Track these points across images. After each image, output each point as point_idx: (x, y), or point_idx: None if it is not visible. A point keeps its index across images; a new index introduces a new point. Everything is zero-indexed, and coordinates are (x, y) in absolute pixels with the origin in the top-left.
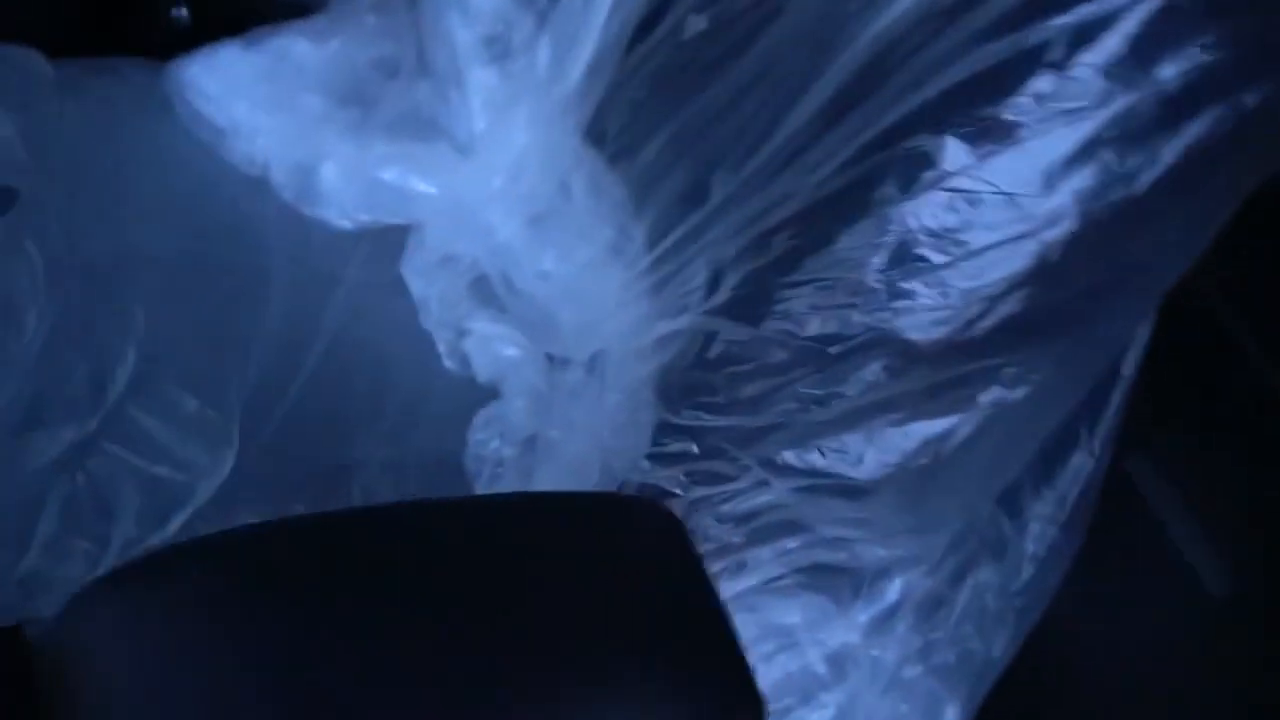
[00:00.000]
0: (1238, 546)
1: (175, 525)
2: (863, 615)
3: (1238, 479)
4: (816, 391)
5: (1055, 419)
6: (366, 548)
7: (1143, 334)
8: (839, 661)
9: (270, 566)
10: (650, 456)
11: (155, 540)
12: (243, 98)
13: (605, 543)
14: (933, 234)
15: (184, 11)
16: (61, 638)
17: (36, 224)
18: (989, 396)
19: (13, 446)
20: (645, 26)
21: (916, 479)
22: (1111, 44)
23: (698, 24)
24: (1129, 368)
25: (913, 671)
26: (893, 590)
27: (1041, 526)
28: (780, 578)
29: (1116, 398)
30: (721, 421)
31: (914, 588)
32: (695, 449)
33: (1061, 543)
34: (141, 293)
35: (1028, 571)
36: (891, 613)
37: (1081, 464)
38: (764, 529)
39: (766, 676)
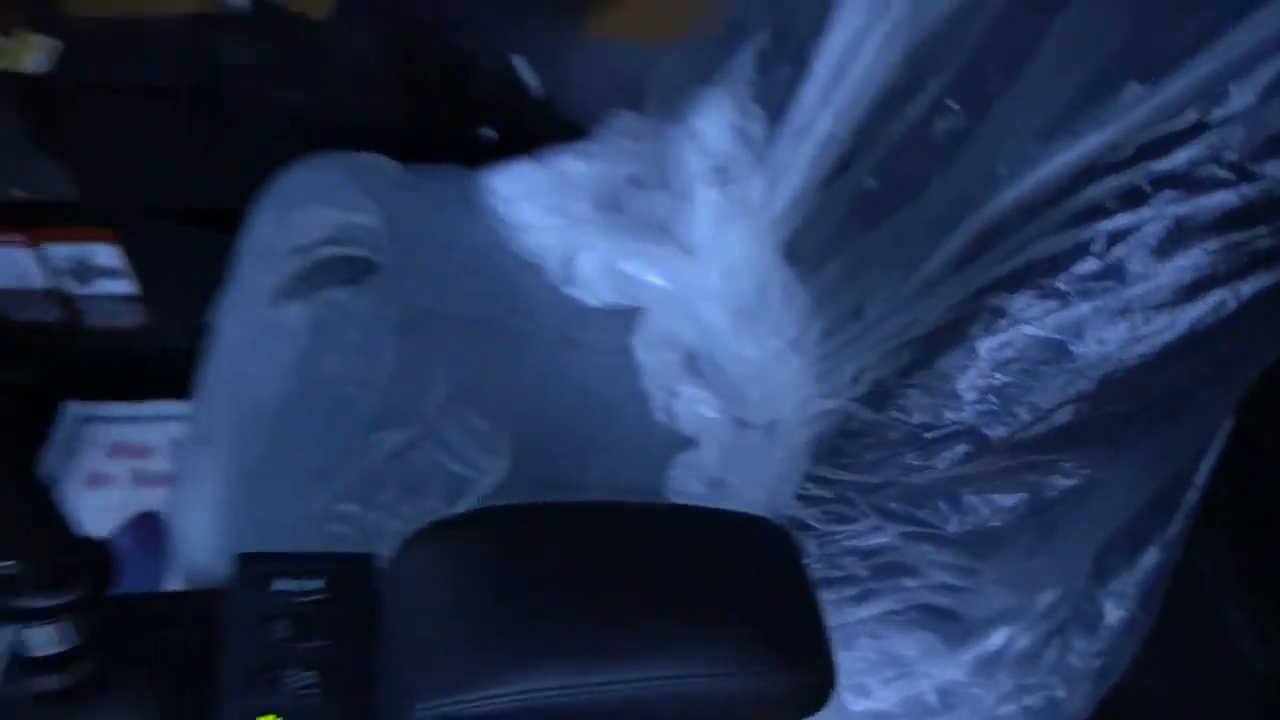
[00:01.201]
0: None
1: (464, 504)
2: (969, 656)
3: None
4: (916, 463)
5: (1128, 507)
6: (587, 525)
7: (1218, 442)
8: (947, 694)
9: (529, 530)
10: (798, 497)
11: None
12: (530, 202)
13: (735, 540)
14: (1001, 364)
15: (492, 132)
16: (398, 570)
17: (389, 287)
18: (1050, 482)
19: (367, 440)
20: (834, 176)
21: (1008, 544)
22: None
23: (870, 182)
24: (1201, 476)
25: (1007, 710)
26: (997, 638)
27: (1123, 603)
28: (898, 612)
29: (1189, 499)
30: (850, 476)
31: (1015, 639)
32: (830, 495)
33: (1139, 618)
34: (452, 340)
35: (1109, 639)
36: (994, 658)
37: (1157, 556)
38: (883, 567)
39: (886, 699)
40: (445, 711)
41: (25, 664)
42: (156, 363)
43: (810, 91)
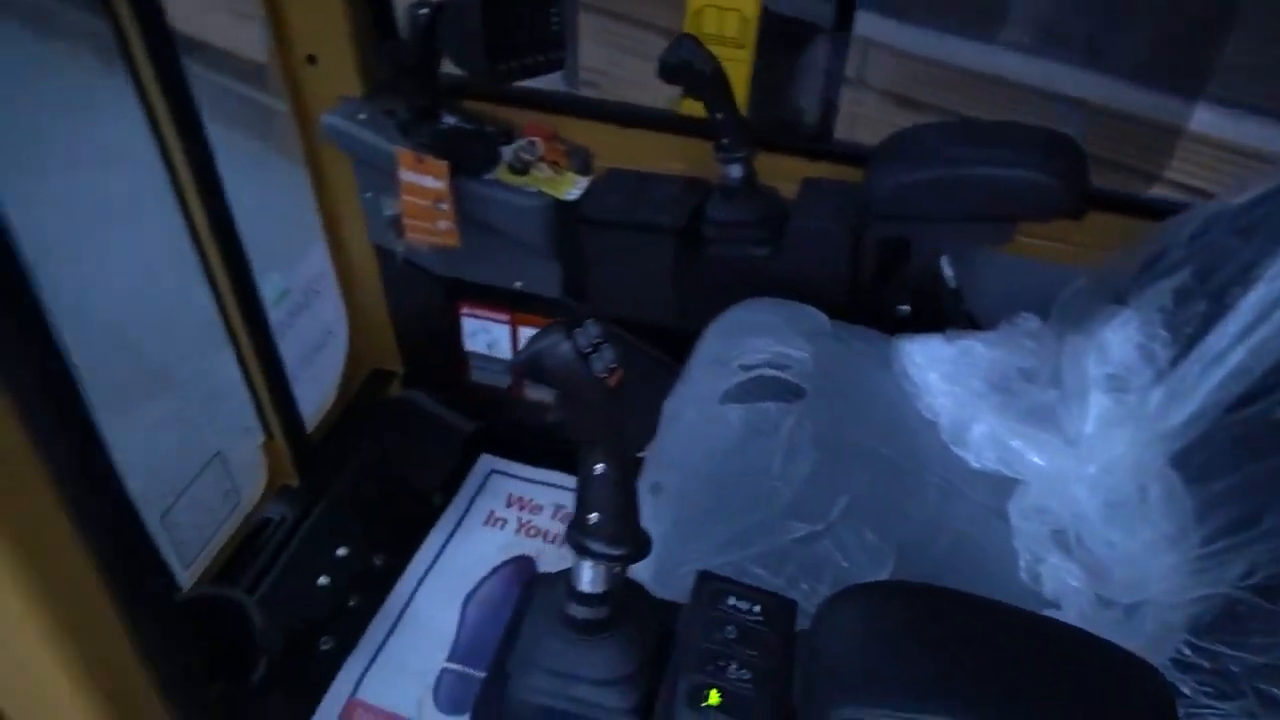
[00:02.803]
0: None
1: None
2: None
3: None
4: None
5: None
6: (987, 611)
7: None
8: None
9: (937, 603)
10: (1174, 661)
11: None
12: (935, 371)
13: (1118, 668)
14: None
15: (907, 309)
16: (827, 612)
17: (812, 410)
18: None
19: (781, 523)
20: (1241, 404)
21: None
22: None
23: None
24: None
25: None
26: None
27: None
28: None
29: None
30: (1233, 653)
31: None
32: (1207, 665)
33: None
34: (857, 464)
35: None
36: None
37: None
38: None
39: None
40: (866, 718)
41: (570, 590)
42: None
43: (1228, 327)
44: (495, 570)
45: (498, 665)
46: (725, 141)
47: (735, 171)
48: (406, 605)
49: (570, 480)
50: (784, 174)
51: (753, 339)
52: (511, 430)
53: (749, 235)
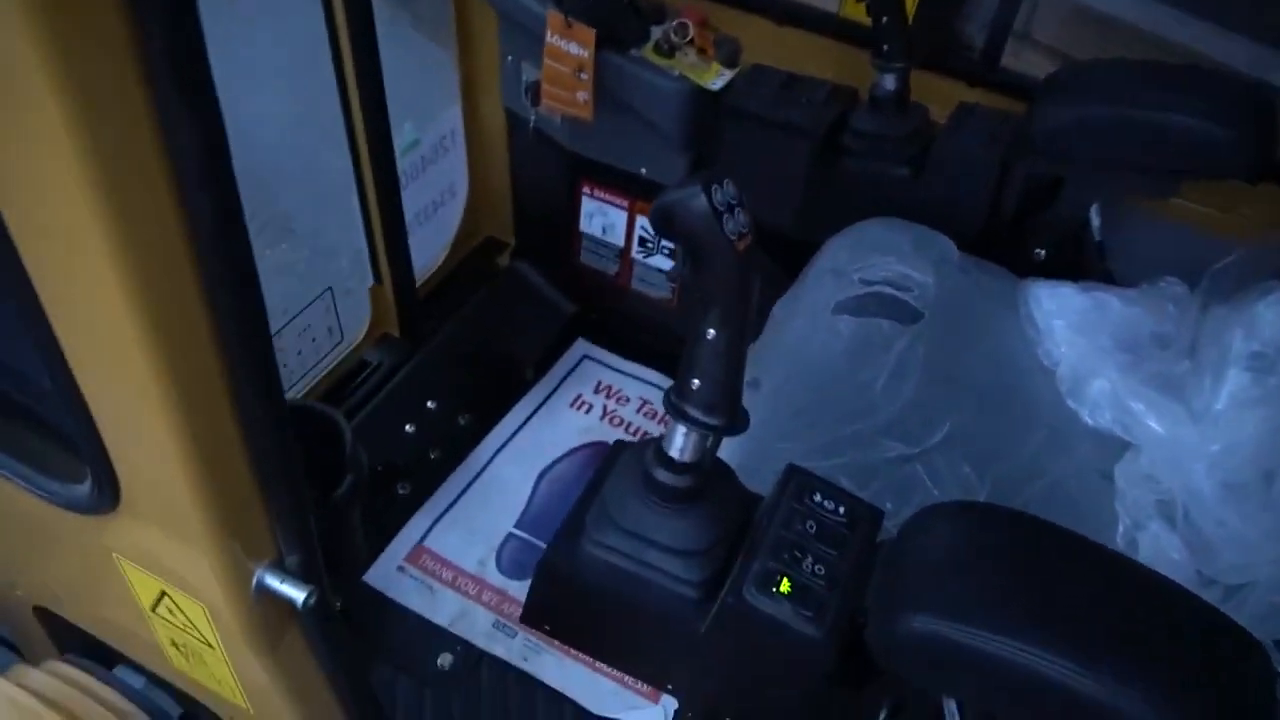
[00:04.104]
0: None
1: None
2: None
3: None
4: None
5: None
6: (1077, 543)
7: None
8: None
9: (1028, 531)
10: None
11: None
12: (1062, 319)
13: (1223, 635)
14: None
15: (1042, 253)
16: (914, 524)
17: (927, 335)
18: None
19: (876, 440)
20: None
21: None
22: None
23: None
24: None
25: None
26: None
27: None
28: None
29: None
30: None
31: None
32: None
33: None
34: (963, 395)
35: None
36: None
37: None
38: None
39: None
40: (938, 630)
41: (659, 454)
42: (664, 336)
43: None
44: (573, 451)
45: (573, 520)
46: (885, 48)
47: (889, 83)
48: (484, 469)
49: (661, 379)
50: (940, 96)
51: (877, 255)
52: (611, 318)
53: (891, 151)
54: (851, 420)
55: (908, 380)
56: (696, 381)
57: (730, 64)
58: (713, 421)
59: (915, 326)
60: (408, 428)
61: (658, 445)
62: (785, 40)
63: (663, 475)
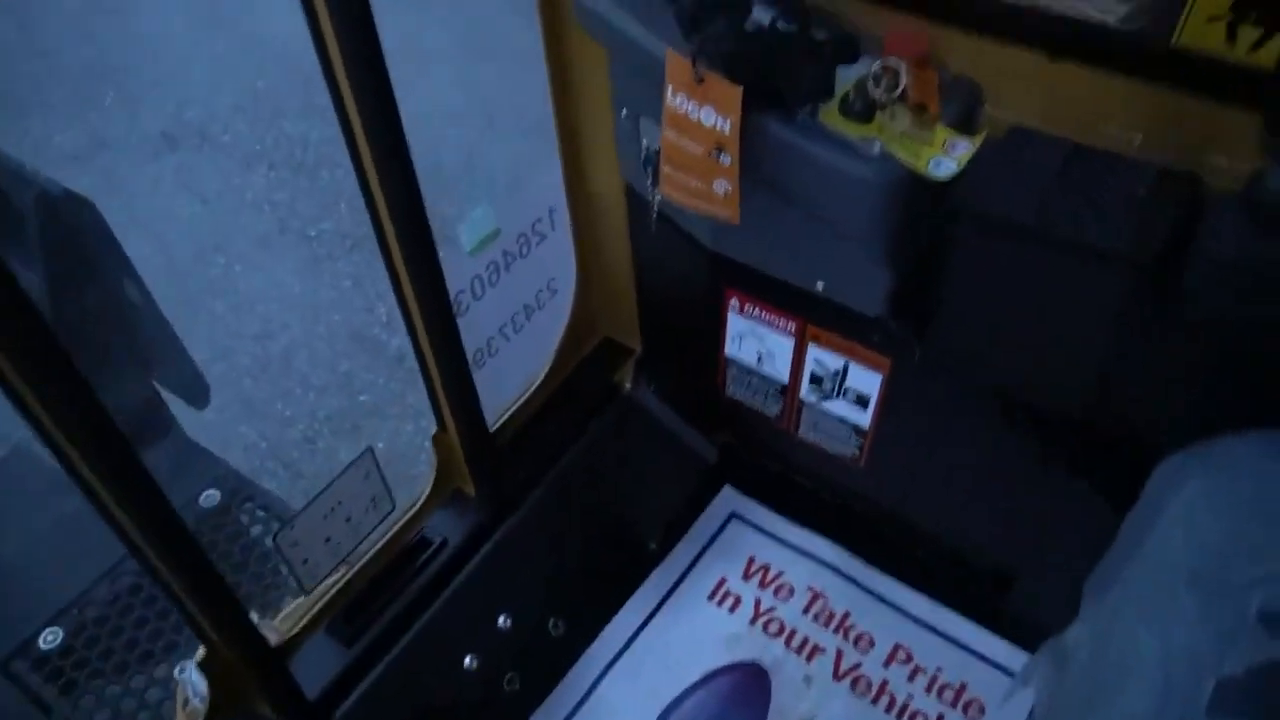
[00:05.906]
0: None
1: None
2: None
3: None
4: None
5: None
6: None
7: None
8: None
9: None
10: None
11: None
12: None
13: None
14: None
15: None
16: None
17: None
18: None
19: None
20: None
21: None
22: None
23: None
24: None
25: None
26: None
27: None
28: None
29: None
30: None
31: None
32: None
33: None
34: None
35: None
36: None
37: None
38: None
39: None
40: None
41: None
42: (845, 497)
43: None
44: (712, 676)
45: None
46: None
47: None
48: (584, 698)
49: (840, 557)
50: None
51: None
52: (771, 467)
53: (1258, 287)
54: None
55: None
56: None
57: (966, 128)
58: None
59: None
60: (468, 661)
61: None
62: (1066, 82)
63: None
